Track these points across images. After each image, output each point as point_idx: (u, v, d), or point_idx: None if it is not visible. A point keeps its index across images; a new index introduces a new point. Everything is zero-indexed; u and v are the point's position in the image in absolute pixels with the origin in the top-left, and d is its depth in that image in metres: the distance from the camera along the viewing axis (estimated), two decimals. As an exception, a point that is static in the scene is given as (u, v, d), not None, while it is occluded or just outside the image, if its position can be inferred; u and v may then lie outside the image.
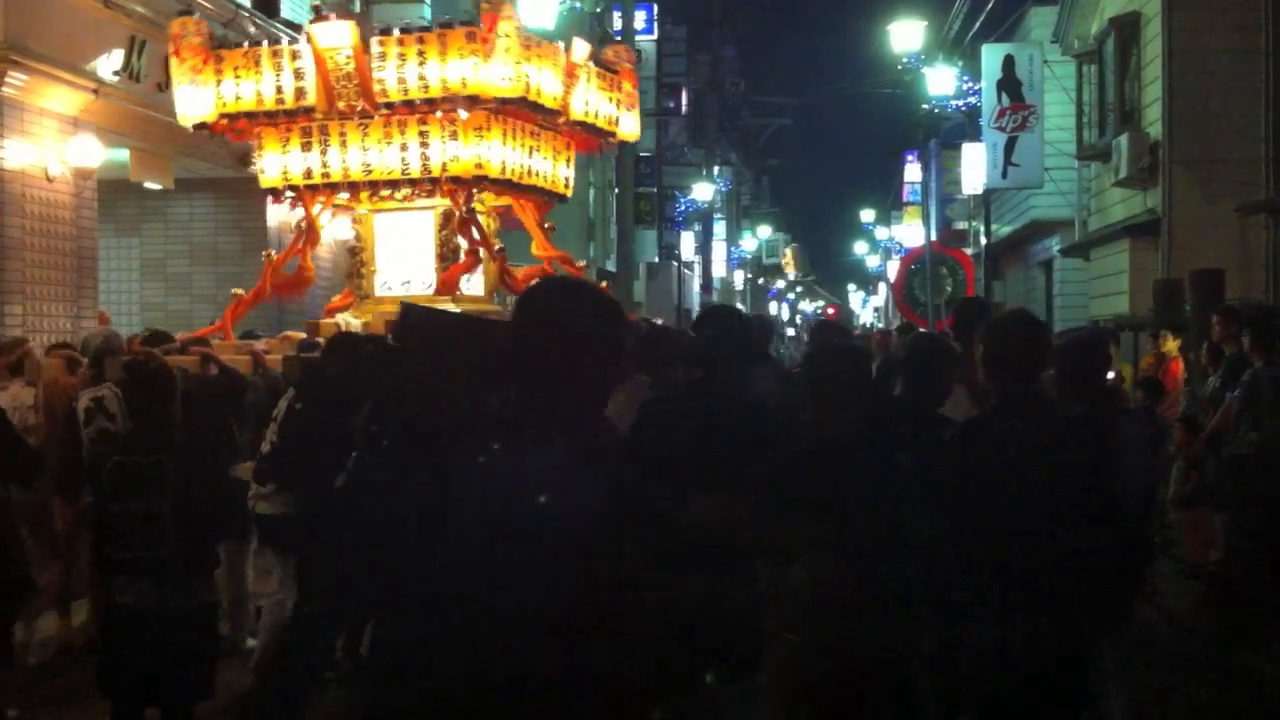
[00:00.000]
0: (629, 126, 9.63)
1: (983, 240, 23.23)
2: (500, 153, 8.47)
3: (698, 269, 39.92)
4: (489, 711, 2.33)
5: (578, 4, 21.79)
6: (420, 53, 8.14)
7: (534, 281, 2.63)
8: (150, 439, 4.74)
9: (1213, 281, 11.01)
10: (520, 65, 8.13)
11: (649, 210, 29.33)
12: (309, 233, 9.07)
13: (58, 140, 9.56)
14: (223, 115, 8.59)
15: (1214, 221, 13.97)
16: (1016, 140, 19.14)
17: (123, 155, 10.76)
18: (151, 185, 11.68)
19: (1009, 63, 19.33)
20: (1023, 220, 22.03)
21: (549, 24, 16.22)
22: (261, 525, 6.11)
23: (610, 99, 9.34)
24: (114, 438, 6.19)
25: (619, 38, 20.94)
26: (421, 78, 8.15)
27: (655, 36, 29.98)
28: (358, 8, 15.29)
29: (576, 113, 8.94)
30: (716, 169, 38.75)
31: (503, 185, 8.68)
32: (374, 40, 8.29)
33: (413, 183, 8.56)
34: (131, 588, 4.64)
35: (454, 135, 8.34)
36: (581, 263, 9.77)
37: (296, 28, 12.84)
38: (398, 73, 8.17)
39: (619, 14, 22.02)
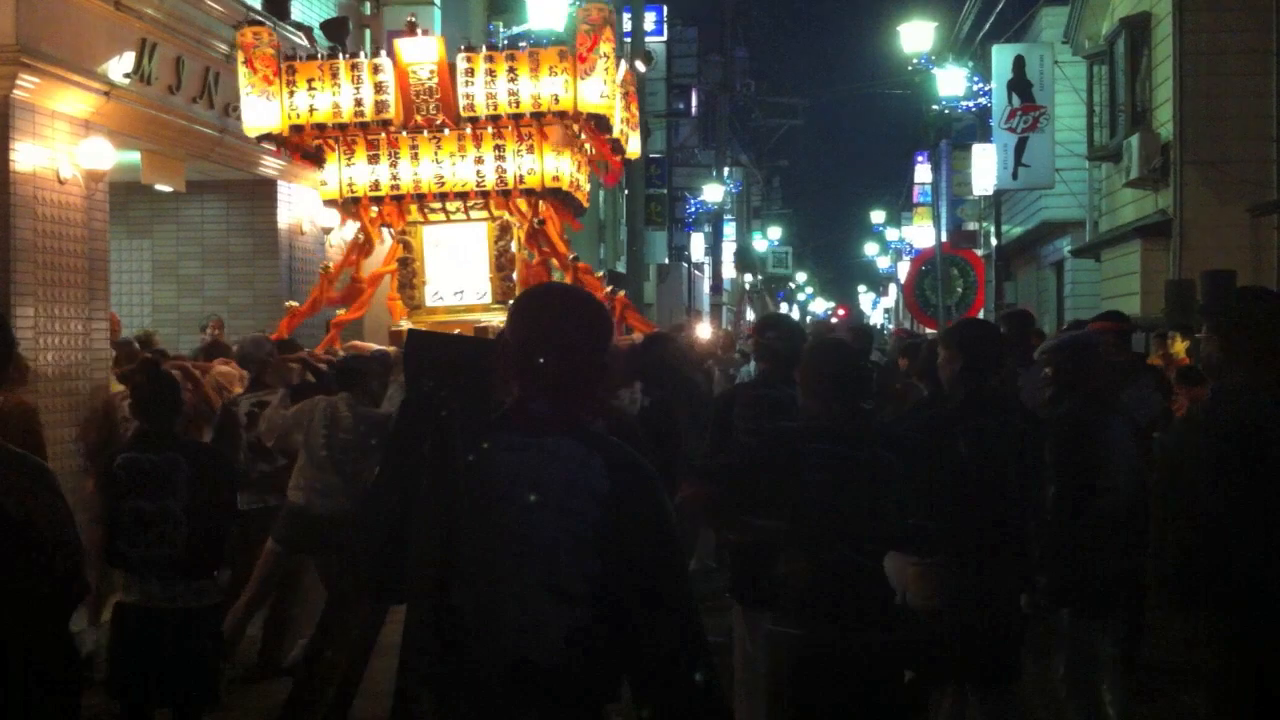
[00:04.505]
0: (634, 145, 9.85)
1: (994, 241, 23.20)
2: (568, 166, 8.72)
3: (708, 270, 39.90)
4: (524, 685, 2.40)
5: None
6: (511, 69, 8.32)
7: (527, 289, 2.73)
8: (159, 438, 4.76)
9: (1224, 282, 10.99)
10: (615, 83, 8.36)
11: (659, 212, 29.33)
12: (365, 244, 9.23)
13: (69, 143, 9.60)
14: (292, 127, 8.70)
15: (1225, 222, 13.95)
16: (1027, 141, 19.12)
17: (134, 157, 10.78)
18: (163, 187, 11.71)
19: (1019, 63, 19.31)
20: (1034, 221, 21.99)
21: (559, 25, 16.22)
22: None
23: (625, 119, 9.51)
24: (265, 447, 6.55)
25: (628, 38, 20.94)
26: (512, 93, 8.33)
27: (665, 38, 29.98)
28: (368, 10, 15.33)
29: (615, 130, 9.15)
30: (727, 170, 38.71)
31: (562, 197, 8.92)
32: (461, 56, 8.45)
33: (483, 195, 8.76)
34: (140, 586, 4.65)
35: (530, 149, 8.51)
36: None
37: (307, 30, 12.91)
38: (487, 88, 8.34)
39: (629, 15, 22.00)
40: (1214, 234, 14.03)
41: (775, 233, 52.40)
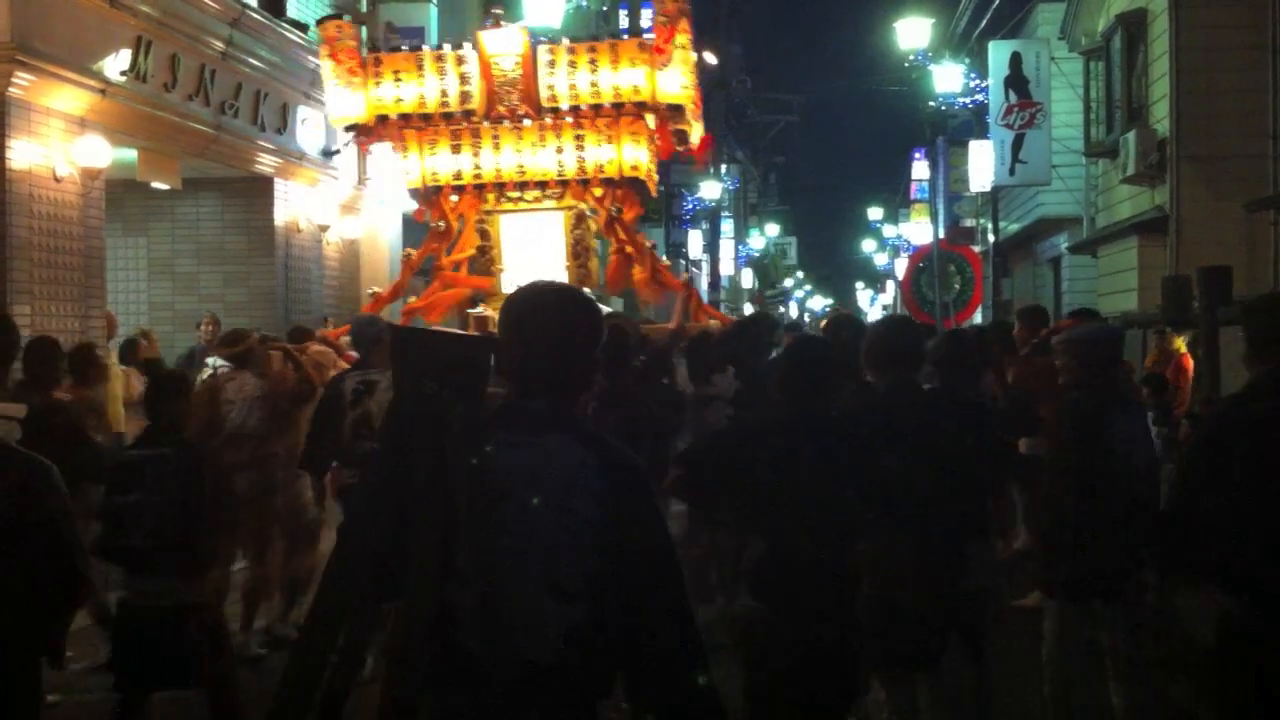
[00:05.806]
0: (696, 136, 9.89)
1: (991, 237, 23.21)
2: (645, 156, 8.81)
3: (705, 267, 39.90)
4: (523, 683, 2.41)
5: (584, 1, 21.77)
6: (592, 61, 8.39)
7: (519, 288, 2.71)
8: (159, 434, 4.75)
9: (1221, 278, 10.96)
10: (692, 74, 8.43)
11: (656, 208, 29.30)
12: (445, 232, 9.37)
13: (65, 140, 9.59)
14: (377, 117, 8.80)
15: (1222, 218, 13.94)
16: (1024, 137, 19.12)
17: (130, 155, 10.77)
18: (158, 185, 11.70)
19: (1016, 60, 19.31)
20: (1030, 217, 22.00)
21: (555, 22, 16.19)
22: None
23: (692, 110, 9.55)
24: (372, 422, 6.46)
25: (625, 35, 20.94)
26: (593, 84, 8.42)
27: (661, 34, 29.92)
28: (364, 7, 15.30)
29: (687, 120, 9.22)
30: (724, 167, 38.71)
31: (637, 187, 9.03)
32: (543, 48, 8.55)
33: (562, 184, 8.84)
34: (131, 583, 4.61)
35: (609, 139, 8.59)
36: None
37: (303, 27, 12.88)
38: (569, 79, 8.43)
39: (625, 11, 22.00)
40: (1210, 230, 14.03)
41: (773, 229, 52.41)
